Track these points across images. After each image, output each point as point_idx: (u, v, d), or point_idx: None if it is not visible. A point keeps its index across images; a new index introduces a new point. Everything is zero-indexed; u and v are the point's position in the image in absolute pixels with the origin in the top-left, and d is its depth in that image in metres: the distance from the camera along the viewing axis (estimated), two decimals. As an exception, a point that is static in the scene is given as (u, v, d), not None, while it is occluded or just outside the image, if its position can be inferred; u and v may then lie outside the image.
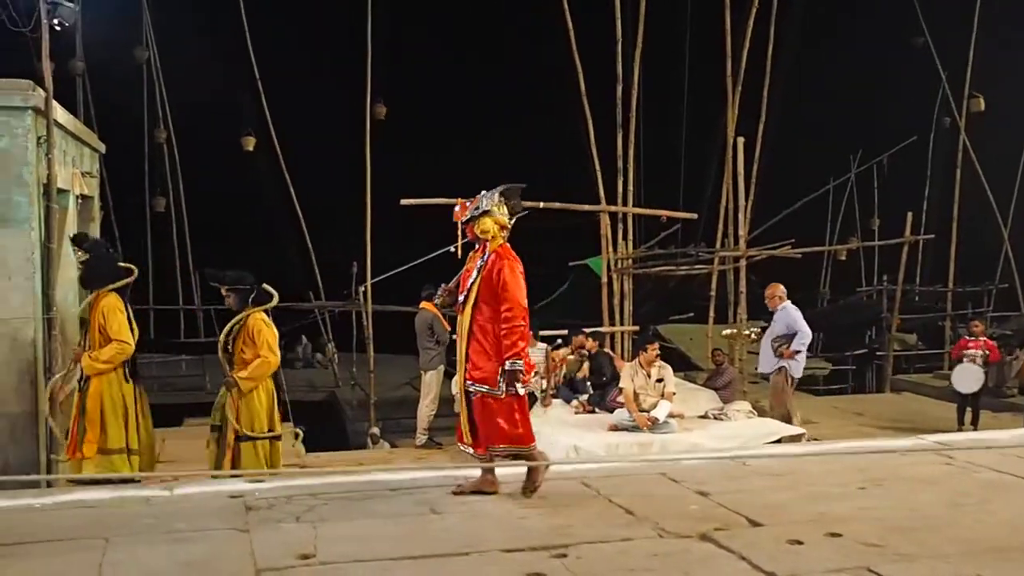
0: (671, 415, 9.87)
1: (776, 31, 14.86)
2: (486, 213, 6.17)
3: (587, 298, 14.67)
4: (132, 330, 7.35)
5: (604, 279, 13.74)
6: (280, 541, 5.08)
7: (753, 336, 11.99)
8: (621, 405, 10.15)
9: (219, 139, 18.47)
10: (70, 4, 8.35)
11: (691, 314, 17.16)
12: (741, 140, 13.35)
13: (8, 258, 7.46)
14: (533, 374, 6.28)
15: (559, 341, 11.80)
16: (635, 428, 9.71)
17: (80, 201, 9.72)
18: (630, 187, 14.20)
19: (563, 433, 9.84)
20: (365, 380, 13.70)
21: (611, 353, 12.10)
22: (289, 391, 15.92)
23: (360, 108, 14.13)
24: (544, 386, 11.03)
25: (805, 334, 10.82)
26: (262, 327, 7.52)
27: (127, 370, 7.33)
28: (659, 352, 10.22)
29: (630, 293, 13.88)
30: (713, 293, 14.25)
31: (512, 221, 6.30)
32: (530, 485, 6.04)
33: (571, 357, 11.40)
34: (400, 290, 14.20)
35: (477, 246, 6.26)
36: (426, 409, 11.48)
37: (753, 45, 14.42)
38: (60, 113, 8.32)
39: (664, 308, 17.21)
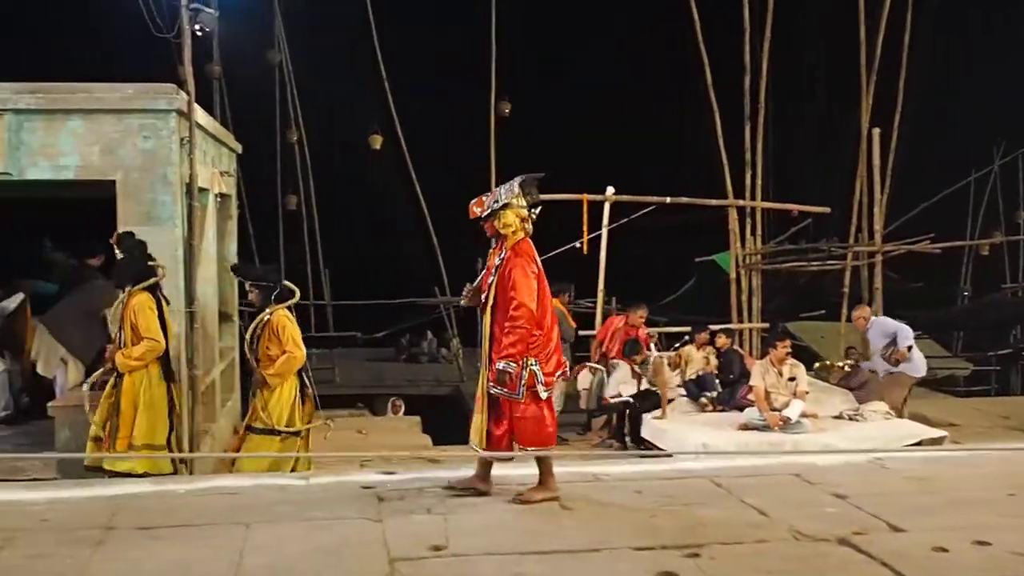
0: (803, 415, 9.62)
1: (913, 17, 14.31)
2: (506, 206, 5.88)
3: (714, 294, 14.44)
4: (166, 328, 7.47)
5: (732, 275, 13.50)
6: (412, 532, 5.15)
7: (847, 368, 11.61)
8: (751, 404, 9.95)
9: (348, 138, 18.86)
10: (210, 10, 8.61)
11: (823, 311, 16.69)
12: (877, 131, 12.92)
13: (155, 254, 7.74)
14: (557, 375, 5.99)
15: (686, 338, 11.63)
16: (766, 427, 9.50)
17: (219, 199, 10.04)
18: (758, 181, 13.90)
19: (692, 430, 9.71)
20: (490, 375, 13.77)
21: (741, 351, 11.87)
22: (415, 386, 16.23)
23: (485, 105, 14.23)
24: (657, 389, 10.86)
25: (906, 330, 10.66)
26: (286, 323, 7.63)
27: (162, 367, 7.47)
28: (790, 350, 9.98)
29: (759, 289, 13.61)
30: (846, 290, 13.81)
31: (533, 214, 5.98)
32: (536, 495, 5.84)
33: (697, 354, 11.23)
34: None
35: (495, 243, 6.06)
36: (552, 405, 11.46)
37: (888, 32, 13.93)
38: (201, 115, 8.60)
39: (794, 305, 16.80)
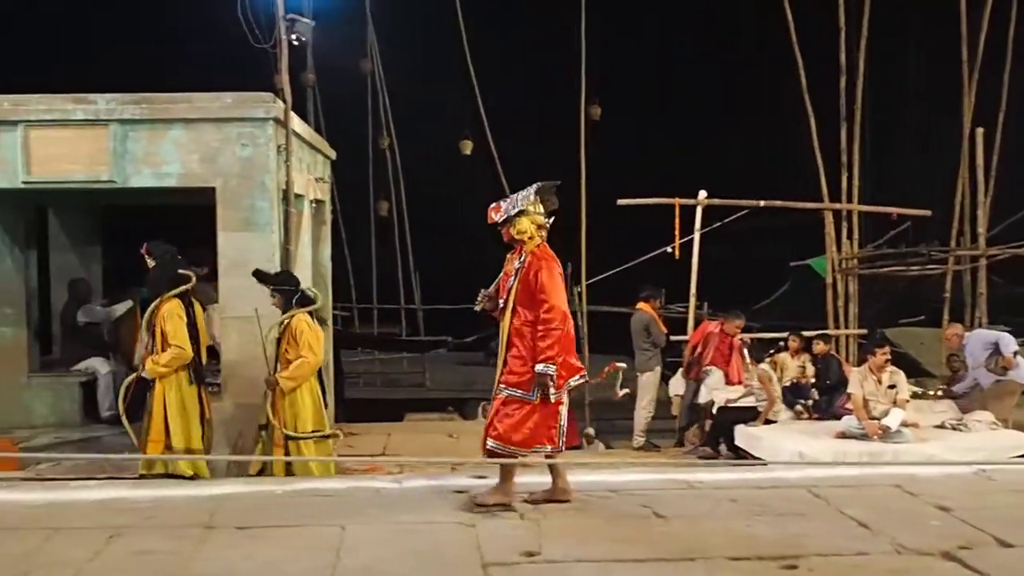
0: (904, 424, 9.35)
1: (1017, 11, 13.82)
2: (522, 213, 5.88)
3: (809, 300, 14.16)
4: (197, 335, 7.63)
5: (828, 280, 13.22)
6: (505, 537, 5.15)
7: (939, 393, 11.23)
8: (849, 412, 9.72)
9: (438, 144, 19.01)
10: (306, 20, 8.79)
11: (922, 317, 16.22)
12: (980, 131, 12.52)
13: (251, 259, 7.92)
14: (575, 379, 5.96)
15: (780, 344, 11.43)
16: (864, 437, 9.25)
17: (314, 205, 10.23)
18: (855, 183, 13.58)
19: (787, 439, 9.52)
20: (579, 380, 13.73)
21: (838, 357, 11.61)
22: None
23: (575, 109, 14.20)
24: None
25: (1006, 336, 10.39)
26: (304, 328, 7.61)
27: (191, 373, 7.59)
28: (889, 357, 9.72)
29: (856, 295, 13.29)
30: (947, 295, 13.41)
31: (550, 220, 5.96)
32: (490, 498, 5.74)
33: (792, 361, 11.02)
34: (615, 291, 14.16)
35: (514, 248, 6.00)
36: (643, 411, 11.41)
37: (991, 27, 13.48)
38: (297, 123, 8.78)
39: (893, 310, 16.34)
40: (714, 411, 10.67)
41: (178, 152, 8.14)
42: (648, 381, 11.46)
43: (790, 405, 10.63)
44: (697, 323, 12.25)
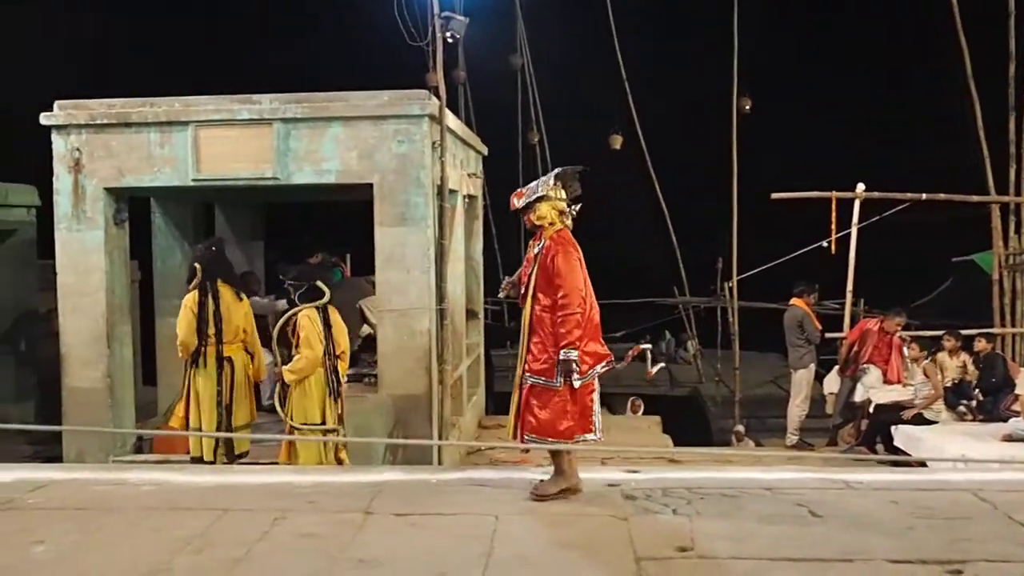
0: (1077, 426, 8.89)
1: None
2: (541, 199, 5.84)
3: (973, 297, 13.57)
4: (205, 324, 7.78)
5: (995, 276, 12.65)
6: (658, 532, 5.13)
7: None
8: (1016, 414, 9.29)
9: (587, 139, 19.03)
10: (461, 17, 8.93)
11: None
12: None
13: (407, 253, 8.14)
14: (601, 366, 5.80)
15: (943, 343, 11.00)
16: (1034, 439, 8.84)
17: (467, 201, 10.41)
18: (1024, 175, 12.97)
19: (950, 440, 9.18)
20: (729, 377, 13.56)
21: (1004, 356, 11.10)
22: (652, 386, 16.15)
23: (726, 102, 14.00)
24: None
25: None
26: (305, 323, 7.60)
27: (202, 361, 7.81)
28: (1061, 357, 9.25)
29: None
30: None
31: (574, 208, 5.89)
32: (551, 488, 5.73)
33: (952, 361, 10.59)
34: (767, 286, 13.90)
35: (535, 235, 5.93)
36: (797, 409, 11.18)
37: None
38: (451, 119, 8.95)
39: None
40: (871, 410, 10.36)
41: (337, 149, 8.42)
42: (802, 378, 11.22)
43: (952, 406, 10.23)
44: (853, 320, 11.92)
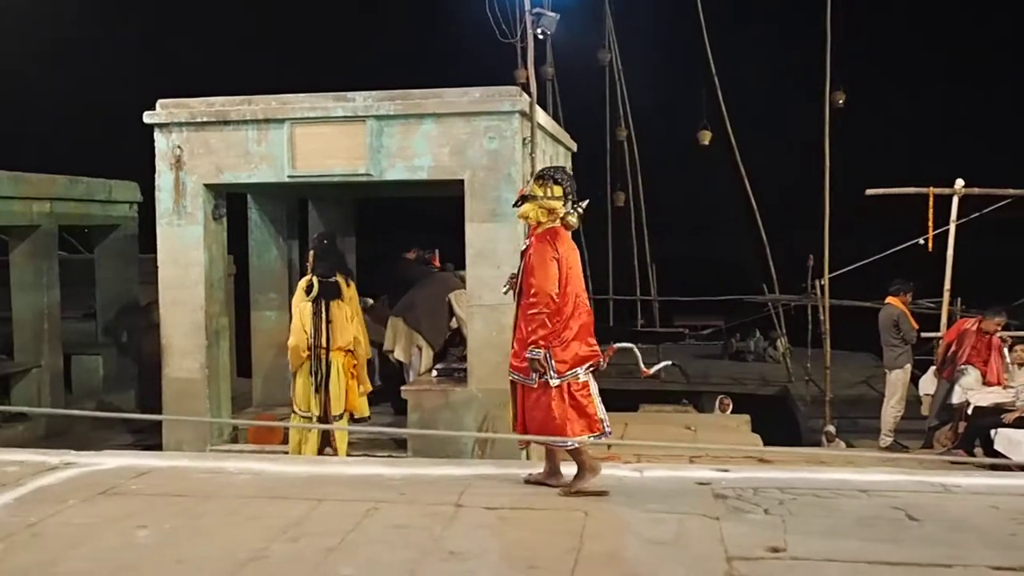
0: None
1: None
2: (526, 199, 5.93)
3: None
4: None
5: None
6: (749, 531, 5.08)
7: None
8: None
9: (675, 134, 18.91)
10: (552, 14, 8.94)
11: None
12: None
13: (498, 249, 8.18)
14: (586, 366, 5.84)
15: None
16: None
17: (555, 197, 10.39)
18: None
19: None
20: (819, 376, 13.32)
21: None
22: (740, 384, 15.98)
23: (817, 96, 13.75)
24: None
25: None
26: (294, 312, 8.46)
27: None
28: None
29: None
30: None
31: (580, 205, 5.95)
32: (572, 485, 5.79)
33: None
34: (860, 284, 13.62)
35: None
36: (892, 410, 10.95)
37: None
38: (541, 115, 8.96)
39: None
40: (969, 412, 10.09)
41: (429, 146, 8.51)
42: (897, 379, 10.98)
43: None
44: (950, 320, 11.61)
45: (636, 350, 9.77)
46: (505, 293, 6.24)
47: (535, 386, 5.82)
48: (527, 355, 5.78)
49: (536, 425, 5.88)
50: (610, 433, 5.96)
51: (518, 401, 5.98)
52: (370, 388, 8.88)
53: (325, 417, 8.37)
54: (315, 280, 8.44)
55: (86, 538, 5.03)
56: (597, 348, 5.94)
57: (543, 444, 6.08)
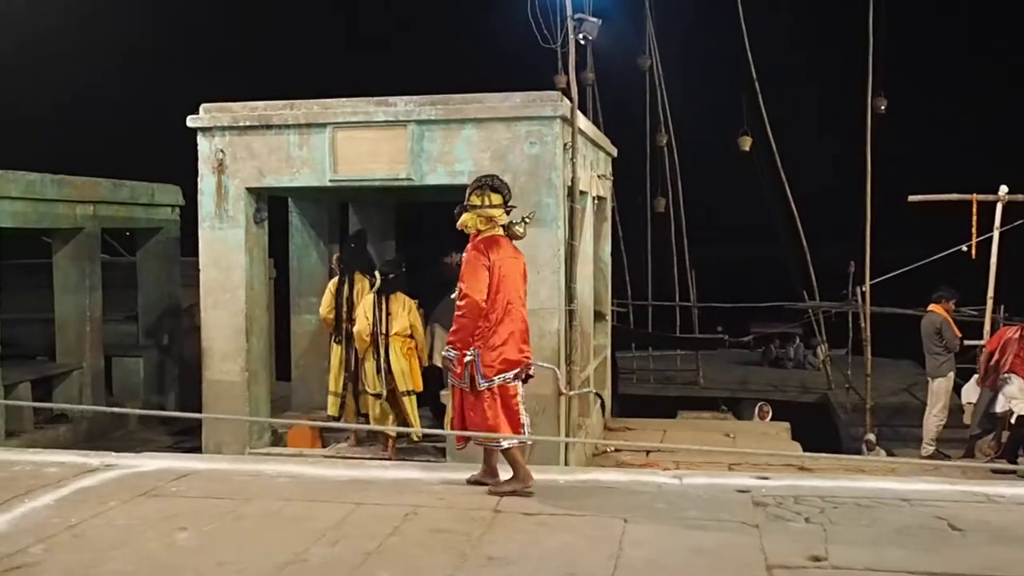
0: None
1: None
2: (464, 208, 6.09)
3: None
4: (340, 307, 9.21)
5: None
6: (790, 540, 5.05)
7: None
8: None
9: (716, 140, 18.81)
10: (594, 19, 8.92)
11: None
12: None
13: (539, 254, 8.16)
14: (514, 372, 6.03)
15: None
16: None
17: (596, 202, 10.40)
18: None
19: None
20: (860, 384, 13.20)
21: None
22: (780, 391, 15.89)
23: (859, 102, 13.63)
24: None
25: None
26: (358, 309, 9.04)
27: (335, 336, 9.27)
28: None
29: None
30: None
31: (528, 216, 6.31)
32: (501, 484, 5.97)
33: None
34: (903, 292, 13.48)
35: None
36: (934, 419, 10.82)
37: None
38: (582, 121, 8.95)
39: None
40: (1012, 421, 9.94)
41: (470, 150, 8.51)
42: (940, 387, 10.86)
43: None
44: (994, 328, 11.44)
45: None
46: (452, 297, 6.34)
47: (467, 389, 6.01)
48: (442, 354, 6.11)
49: (472, 427, 6.10)
50: (528, 435, 6.22)
51: (456, 403, 6.18)
52: (427, 363, 9.25)
53: (392, 395, 8.87)
54: (378, 277, 8.91)
55: (127, 539, 5.10)
56: (529, 354, 6.15)
57: (480, 444, 6.26)
